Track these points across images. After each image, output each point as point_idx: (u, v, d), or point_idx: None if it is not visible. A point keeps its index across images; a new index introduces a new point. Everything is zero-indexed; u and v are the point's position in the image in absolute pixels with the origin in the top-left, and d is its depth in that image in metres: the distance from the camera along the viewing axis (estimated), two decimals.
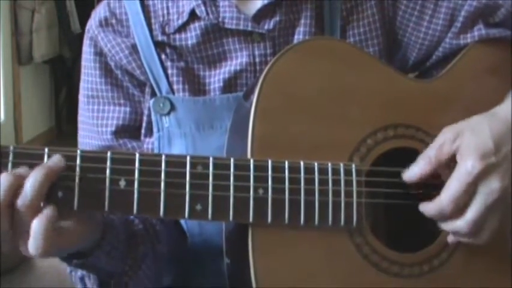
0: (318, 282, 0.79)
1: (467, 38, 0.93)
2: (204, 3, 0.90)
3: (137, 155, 0.74)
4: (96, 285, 0.84)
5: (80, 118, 0.97)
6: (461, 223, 0.79)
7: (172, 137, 0.90)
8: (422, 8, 0.94)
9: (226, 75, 0.91)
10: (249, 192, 0.76)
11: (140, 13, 0.92)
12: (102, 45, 0.93)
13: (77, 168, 0.71)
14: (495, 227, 0.80)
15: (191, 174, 0.75)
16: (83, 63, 0.96)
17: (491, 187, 0.78)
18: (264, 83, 0.81)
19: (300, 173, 0.78)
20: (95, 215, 0.77)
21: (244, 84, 0.91)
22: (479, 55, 0.93)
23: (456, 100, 0.89)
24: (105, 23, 0.93)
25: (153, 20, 0.93)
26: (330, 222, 0.79)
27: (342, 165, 0.80)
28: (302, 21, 0.92)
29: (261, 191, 0.77)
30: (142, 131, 0.93)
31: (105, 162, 0.72)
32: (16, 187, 0.69)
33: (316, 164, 0.79)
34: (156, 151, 0.91)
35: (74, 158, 0.72)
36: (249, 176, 0.76)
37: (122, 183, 0.73)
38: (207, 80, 0.92)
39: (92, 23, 0.95)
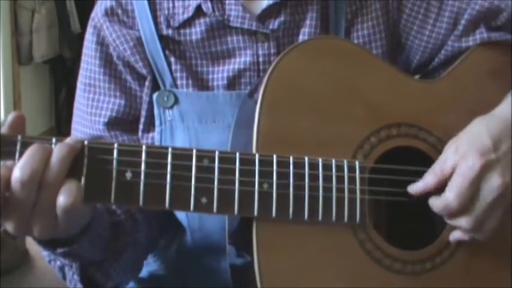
0: (321, 277, 0.80)
1: (469, 41, 0.94)
2: (211, 0, 0.90)
3: (144, 147, 0.74)
4: (76, 275, 0.84)
5: (76, 104, 0.97)
6: (466, 219, 0.80)
7: (175, 130, 0.90)
8: (427, 11, 0.95)
9: (230, 73, 0.91)
10: (254, 186, 0.77)
11: (146, 5, 0.92)
12: (106, 35, 0.93)
13: (85, 159, 0.71)
14: (497, 223, 0.81)
15: (197, 167, 0.75)
16: (84, 50, 0.95)
17: (492, 183, 0.79)
18: (269, 80, 0.81)
19: (304, 168, 0.79)
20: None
21: (247, 83, 0.91)
22: (481, 58, 0.94)
23: (458, 101, 0.90)
24: (110, 13, 0.93)
25: (158, 13, 0.92)
26: (333, 218, 0.80)
27: (345, 161, 0.81)
28: (307, 21, 0.92)
29: (265, 186, 0.77)
30: (141, 126, 0.93)
31: (112, 154, 0.72)
32: (45, 160, 0.68)
33: (320, 160, 0.80)
34: (157, 144, 0.90)
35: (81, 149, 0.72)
36: (254, 171, 0.77)
37: (128, 174, 0.73)
38: (210, 76, 0.92)
39: (98, 11, 0.94)
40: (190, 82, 0.91)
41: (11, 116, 0.71)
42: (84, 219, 0.76)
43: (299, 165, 0.79)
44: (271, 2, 0.91)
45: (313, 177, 0.79)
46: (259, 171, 0.77)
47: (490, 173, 0.79)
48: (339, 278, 0.80)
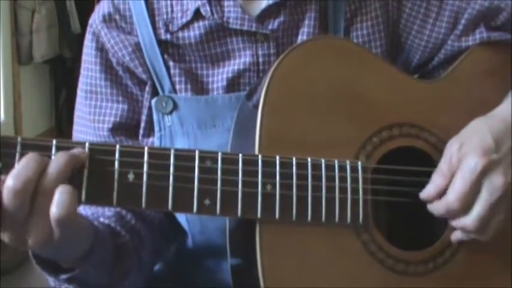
0: (325, 278, 0.80)
1: (469, 40, 0.94)
2: (209, 3, 0.90)
3: (146, 148, 0.74)
4: None
5: (77, 113, 0.96)
6: (468, 220, 0.80)
7: (175, 136, 0.90)
8: (427, 11, 0.95)
9: (230, 75, 0.91)
10: (257, 187, 0.76)
11: (144, 10, 0.92)
12: (104, 41, 0.92)
13: (86, 161, 0.71)
14: (500, 223, 0.81)
15: (200, 168, 0.75)
16: (84, 57, 0.95)
17: (495, 183, 0.79)
18: (271, 81, 0.81)
19: (307, 169, 0.79)
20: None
21: (247, 84, 0.91)
22: (481, 57, 0.94)
23: (458, 101, 0.90)
24: (108, 19, 0.93)
25: (156, 18, 0.92)
26: (336, 219, 0.80)
27: (348, 162, 0.81)
28: (306, 21, 0.92)
29: (269, 187, 0.77)
30: (141, 131, 0.92)
31: (114, 155, 0.72)
32: (41, 169, 0.68)
33: (323, 160, 0.80)
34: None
35: None
36: (257, 172, 0.77)
37: (131, 176, 0.72)
38: (210, 79, 0.92)
39: (96, 17, 0.94)
40: (189, 86, 0.91)
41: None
42: (84, 244, 0.75)
43: (302, 165, 0.79)
44: (270, 2, 0.90)
45: (316, 178, 0.79)
46: (263, 172, 0.77)
47: (493, 173, 0.79)
48: (342, 279, 0.80)
